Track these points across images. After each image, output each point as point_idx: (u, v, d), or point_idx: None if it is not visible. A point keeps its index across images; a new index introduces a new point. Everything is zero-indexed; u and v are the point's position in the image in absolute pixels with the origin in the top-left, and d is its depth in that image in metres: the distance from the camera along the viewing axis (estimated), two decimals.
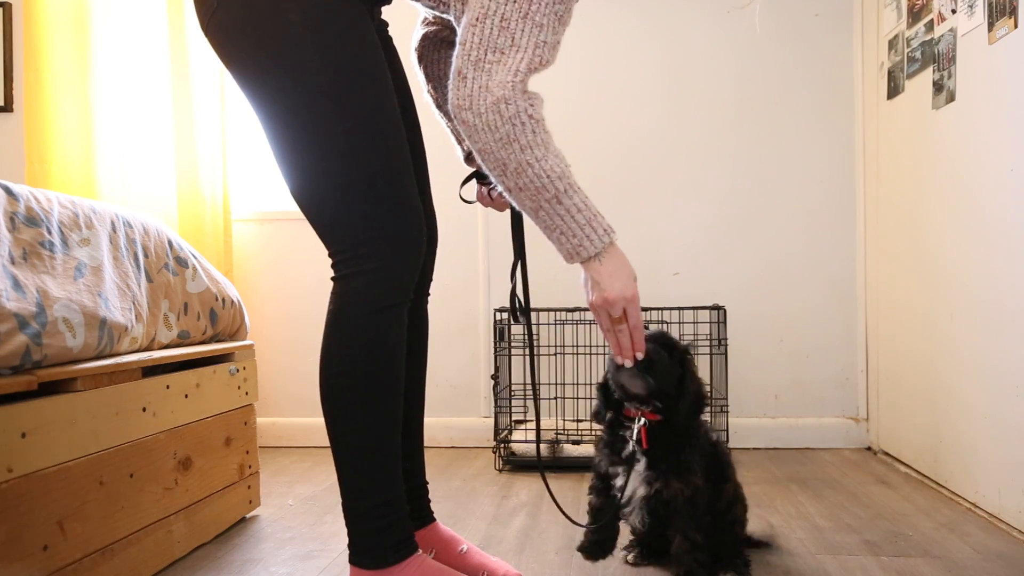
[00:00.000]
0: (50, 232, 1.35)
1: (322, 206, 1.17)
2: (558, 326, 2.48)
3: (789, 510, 1.87)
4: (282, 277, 2.82)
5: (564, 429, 2.41)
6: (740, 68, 2.66)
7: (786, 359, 2.65)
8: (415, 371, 1.39)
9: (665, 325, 2.41)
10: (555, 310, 2.42)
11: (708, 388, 1.41)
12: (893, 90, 2.34)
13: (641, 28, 2.69)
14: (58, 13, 2.53)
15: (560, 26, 1.12)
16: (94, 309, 1.36)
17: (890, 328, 2.41)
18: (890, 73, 2.36)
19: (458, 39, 1.10)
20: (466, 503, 1.98)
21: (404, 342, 1.20)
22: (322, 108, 1.13)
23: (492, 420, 2.53)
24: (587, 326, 2.45)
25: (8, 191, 1.30)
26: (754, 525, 1.63)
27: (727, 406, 2.38)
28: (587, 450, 2.28)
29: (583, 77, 2.67)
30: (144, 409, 1.45)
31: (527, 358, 1.42)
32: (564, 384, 2.49)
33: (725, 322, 2.39)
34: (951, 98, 1.95)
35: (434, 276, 1.43)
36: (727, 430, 2.36)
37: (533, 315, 2.48)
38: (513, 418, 2.52)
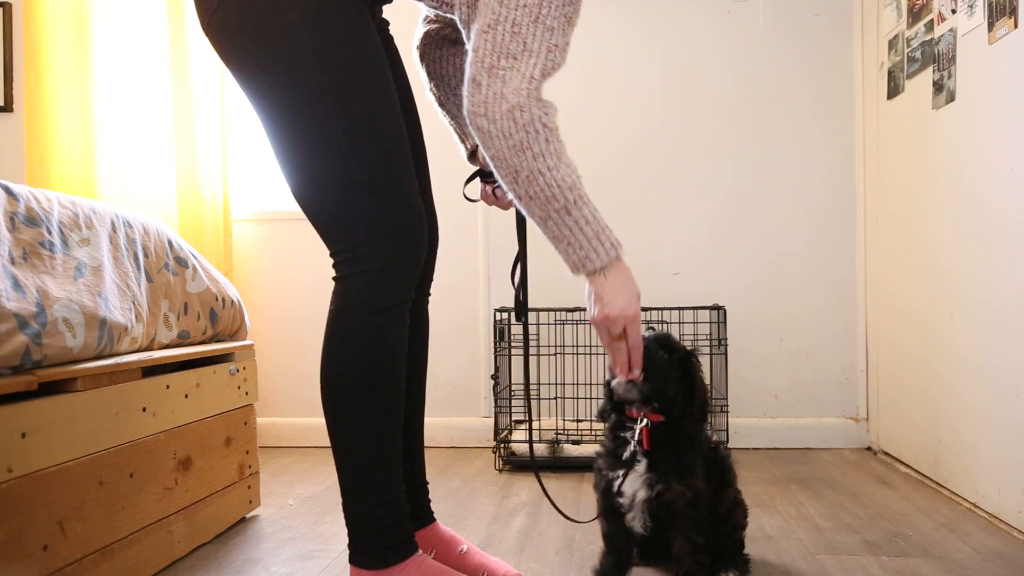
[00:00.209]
0: (50, 232, 1.35)
1: (323, 206, 1.17)
2: (558, 326, 2.48)
3: (789, 510, 1.87)
4: (282, 277, 2.82)
5: (564, 429, 2.41)
6: (740, 68, 2.66)
7: (786, 359, 2.65)
8: (415, 371, 1.39)
9: (665, 325, 2.41)
10: (555, 310, 2.42)
11: (710, 391, 1.41)
12: (893, 90, 2.34)
13: (640, 28, 2.69)
14: (58, 13, 2.52)
15: (569, 27, 1.12)
16: (94, 309, 1.36)
17: (890, 328, 2.41)
18: (890, 73, 2.36)
19: (470, 46, 1.10)
20: (466, 503, 1.98)
21: (405, 342, 1.20)
22: (323, 108, 1.13)
23: (492, 420, 2.53)
24: (587, 326, 2.45)
25: (8, 191, 1.30)
26: (754, 525, 1.63)
27: (727, 406, 2.38)
28: (587, 450, 2.28)
29: (583, 77, 2.67)
30: (144, 409, 1.45)
31: (523, 337, 1.42)
32: (564, 384, 2.50)
33: (725, 322, 2.39)
34: (951, 98, 1.95)
35: (434, 276, 1.43)
36: (727, 430, 2.36)
37: (533, 315, 2.49)
38: (513, 418, 2.52)
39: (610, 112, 2.70)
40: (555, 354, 2.48)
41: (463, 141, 1.44)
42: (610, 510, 1.33)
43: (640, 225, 2.68)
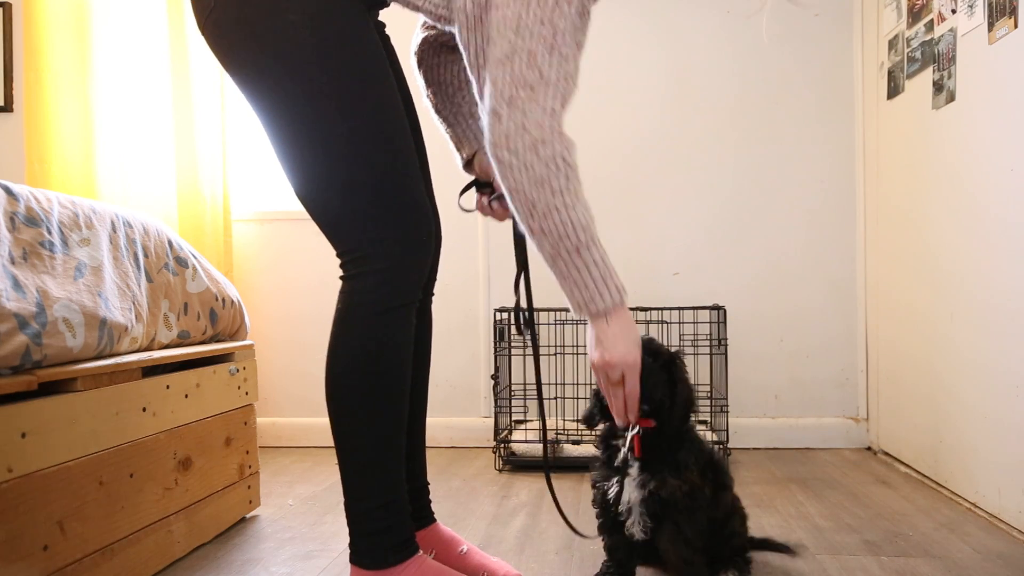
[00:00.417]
0: (50, 232, 1.35)
1: (328, 206, 1.17)
2: (558, 326, 2.48)
3: (789, 510, 1.87)
4: (282, 277, 2.82)
5: (564, 429, 2.41)
6: (740, 68, 2.66)
7: (786, 359, 2.65)
8: (418, 371, 1.38)
9: (665, 325, 2.41)
10: (555, 310, 2.42)
11: (697, 393, 1.39)
12: (893, 90, 2.34)
13: (641, 29, 2.69)
14: (58, 13, 2.53)
15: (579, 52, 1.14)
16: (94, 309, 1.36)
17: (890, 328, 2.41)
18: (890, 73, 2.36)
19: (488, 77, 1.10)
20: (466, 503, 1.98)
21: (411, 342, 1.20)
22: (325, 108, 1.13)
23: (492, 420, 2.54)
24: (587, 326, 2.44)
25: (8, 191, 1.30)
26: (754, 525, 1.62)
27: (727, 406, 2.38)
28: (587, 450, 2.28)
29: (583, 77, 2.66)
30: (144, 409, 1.45)
31: (533, 362, 1.42)
32: (564, 384, 2.50)
33: (725, 322, 2.39)
34: (951, 98, 1.95)
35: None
36: (727, 430, 2.36)
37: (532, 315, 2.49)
38: (513, 418, 2.52)
39: (610, 112, 2.69)
40: (555, 354, 2.48)
41: (459, 149, 1.43)
42: (610, 523, 1.33)
43: (640, 225, 2.68)
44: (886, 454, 2.46)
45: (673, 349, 1.34)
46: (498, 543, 1.66)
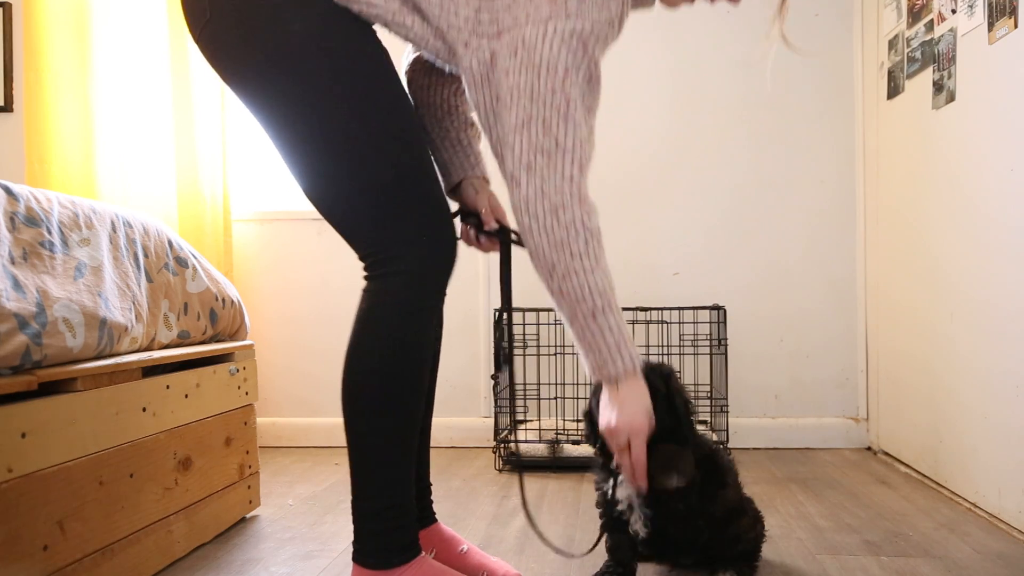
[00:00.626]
0: (50, 232, 1.35)
1: (351, 210, 1.17)
2: (558, 326, 2.48)
3: (789, 510, 1.87)
4: (282, 277, 2.82)
5: (564, 429, 2.41)
6: (740, 68, 2.66)
7: (786, 359, 2.65)
8: (430, 372, 1.38)
9: (665, 325, 2.42)
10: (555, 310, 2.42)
11: (693, 394, 1.38)
12: (893, 90, 2.34)
13: (643, 29, 2.69)
14: (58, 13, 2.52)
15: (591, 116, 1.15)
16: (94, 309, 1.36)
17: (890, 328, 2.41)
18: (890, 73, 2.36)
19: (505, 145, 1.12)
20: (466, 503, 1.98)
21: (432, 344, 1.20)
22: (339, 113, 1.12)
23: (492, 420, 2.54)
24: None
25: (8, 191, 1.30)
26: None
27: (727, 406, 2.38)
28: (587, 450, 2.28)
29: None
30: (144, 409, 1.45)
31: (509, 401, 1.41)
32: (564, 384, 2.50)
33: (725, 322, 2.39)
34: (951, 98, 1.95)
35: None
36: (727, 430, 2.36)
37: (532, 315, 2.49)
38: (513, 418, 2.52)
39: (611, 113, 2.68)
40: (555, 354, 2.48)
41: (444, 176, 1.40)
42: (613, 522, 1.33)
43: (640, 225, 2.68)
44: (886, 454, 2.46)
45: (662, 362, 1.32)
46: (498, 543, 1.66)
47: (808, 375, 2.64)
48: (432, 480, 1.44)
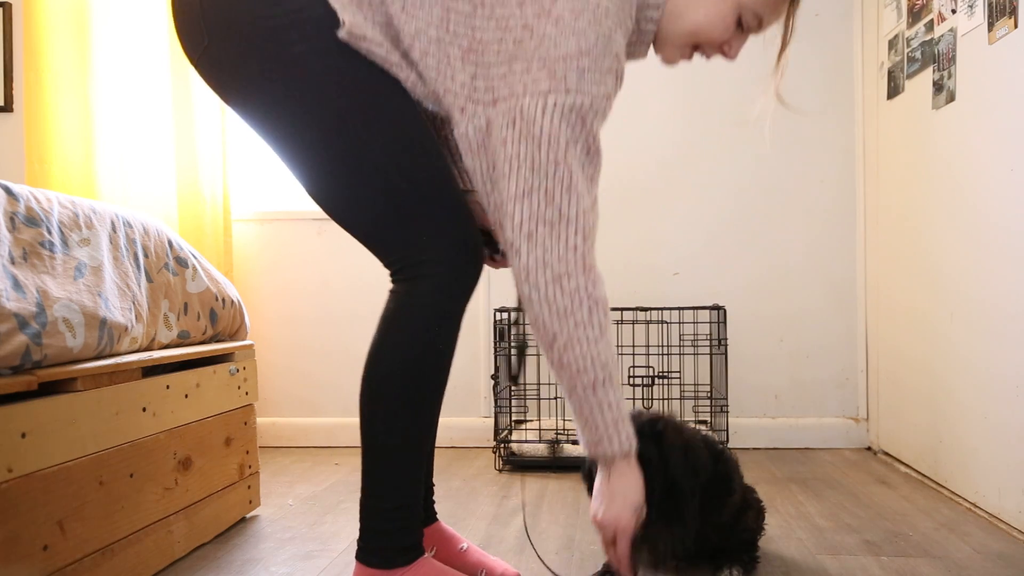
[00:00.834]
0: (50, 232, 1.35)
1: (373, 221, 1.16)
2: None
3: (789, 510, 1.87)
4: (282, 277, 2.82)
5: (564, 429, 2.41)
6: (740, 68, 2.65)
7: (786, 359, 2.65)
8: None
9: (665, 325, 2.41)
10: None
11: (694, 439, 1.37)
12: (893, 90, 2.34)
13: None
14: (58, 13, 2.53)
15: (594, 186, 1.14)
16: (94, 309, 1.36)
17: (890, 329, 2.41)
18: (890, 73, 2.36)
19: (505, 212, 1.11)
20: (466, 503, 1.99)
21: (454, 348, 1.20)
22: (353, 129, 1.12)
23: (492, 420, 2.54)
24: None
25: (8, 191, 1.30)
26: None
27: (727, 406, 2.38)
28: None
29: None
30: (144, 409, 1.45)
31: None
32: None
33: (725, 322, 2.39)
34: (951, 98, 1.95)
35: None
36: (727, 430, 2.36)
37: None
38: (513, 418, 2.52)
39: (615, 116, 2.68)
40: None
41: None
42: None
43: (640, 225, 2.68)
44: (886, 454, 2.46)
45: (655, 416, 1.30)
46: (498, 543, 1.66)
47: (808, 375, 2.64)
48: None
